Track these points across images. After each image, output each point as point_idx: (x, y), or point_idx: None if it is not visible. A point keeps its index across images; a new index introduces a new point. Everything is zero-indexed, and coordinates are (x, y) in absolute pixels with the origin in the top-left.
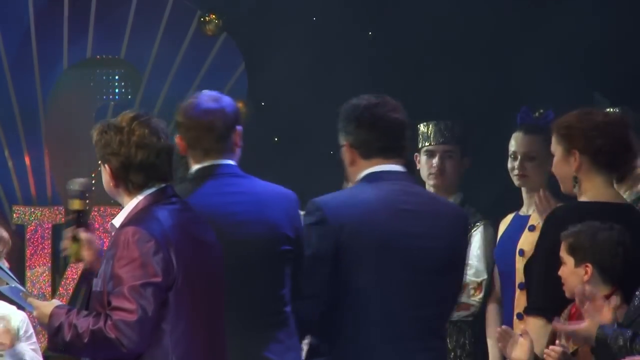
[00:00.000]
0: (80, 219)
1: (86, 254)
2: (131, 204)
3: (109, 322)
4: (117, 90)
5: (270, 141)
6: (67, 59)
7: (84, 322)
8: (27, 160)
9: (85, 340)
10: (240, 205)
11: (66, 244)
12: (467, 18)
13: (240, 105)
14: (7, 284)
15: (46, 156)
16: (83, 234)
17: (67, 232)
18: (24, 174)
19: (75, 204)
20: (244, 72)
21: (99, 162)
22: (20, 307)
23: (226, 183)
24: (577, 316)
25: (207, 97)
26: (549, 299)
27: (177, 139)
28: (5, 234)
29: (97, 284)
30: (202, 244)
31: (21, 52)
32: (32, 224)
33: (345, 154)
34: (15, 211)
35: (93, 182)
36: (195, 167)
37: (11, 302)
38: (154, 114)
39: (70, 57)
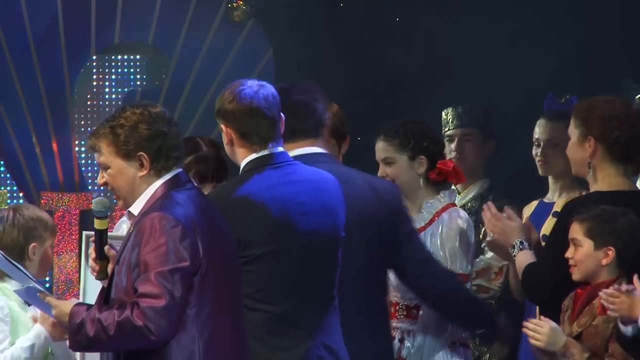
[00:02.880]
0: (105, 238)
1: (111, 269)
2: (149, 190)
3: (136, 310)
4: (144, 77)
5: None
6: (94, 45)
7: (109, 315)
8: (54, 146)
9: (112, 333)
10: (304, 195)
11: (93, 263)
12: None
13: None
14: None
15: (73, 142)
16: (110, 252)
17: (92, 252)
18: (51, 160)
19: (99, 224)
20: (272, 59)
21: (119, 158)
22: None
23: (287, 172)
24: (583, 299)
25: (254, 84)
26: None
27: (224, 128)
28: (51, 222)
29: (120, 272)
30: (221, 228)
31: (49, 38)
32: (60, 210)
33: None
34: (43, 197)
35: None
36: (250, 156)
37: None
38: (182, 101)
39: (98, 44)
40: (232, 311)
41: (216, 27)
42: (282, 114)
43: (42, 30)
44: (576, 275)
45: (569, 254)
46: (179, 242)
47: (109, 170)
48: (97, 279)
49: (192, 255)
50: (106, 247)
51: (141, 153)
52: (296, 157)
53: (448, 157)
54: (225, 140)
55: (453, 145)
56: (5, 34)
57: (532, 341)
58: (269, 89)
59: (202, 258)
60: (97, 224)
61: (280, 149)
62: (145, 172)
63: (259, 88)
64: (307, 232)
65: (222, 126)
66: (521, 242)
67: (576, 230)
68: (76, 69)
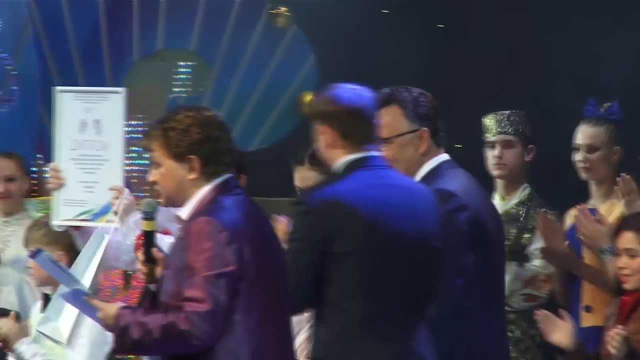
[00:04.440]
0: (152, 240)
1: (160, 273)
2: (198, 195)
3: (180, 314)
4: (187, 83)
5: None
6: (137, 51)
7: (153, 319)
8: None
9: (156, 337)
10: (395, 199)
11: (141, 266)
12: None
13: (310, 98)
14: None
15: None
16: (158, 254)
17: (140, 255)
18: None
19: (148, 225)
20: (314, 65)
21: (171, 159)
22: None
23: (381, 175)
24: (631, 306)
25: (352, 87)
26: None
27: (324, 129)
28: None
29: (168, 275)
30: (268, 235)
31: (91, 44)
32: None
33: None
34: None
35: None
36: (347, 157)
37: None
38: (225, 107)
39: (141, 49)
40: (280, 318)
41: (259, 33)
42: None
43: (85, 36)
44: (631, 284)
45: (622, 263)
46: (225, 247)
47: (160, 169)
48: (145, 282)
49: (238, 260)
50: (154, 250)
51: (192, 156)
52: (444, 163)
53: (490, 163)
54: (323, 142)
55: (495, 152)
56: (48, 40)
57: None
58: (369, 92)
59: (249, 264)
60: (145, 225)
61: (376, 152)
62: (195, 175)
63: (360, 91)
64: (394, 235)
65: (322, 127)
66: (611, 247)
67: (630, 240)
68: (119, 75)
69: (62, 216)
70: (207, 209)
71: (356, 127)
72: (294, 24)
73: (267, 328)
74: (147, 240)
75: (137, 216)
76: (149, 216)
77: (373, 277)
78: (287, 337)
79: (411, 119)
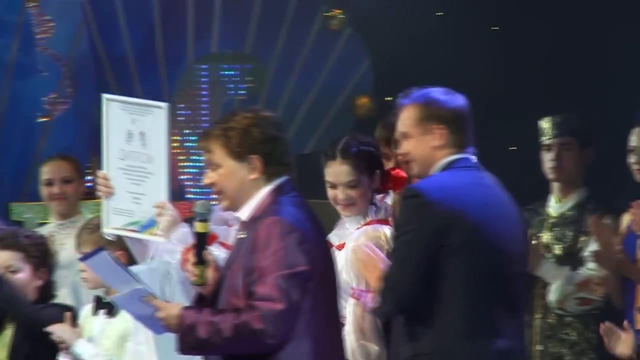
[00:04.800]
0: (204, 242)
1: (211, 275)
2: (258, 196)
3: (254, 313)
4: (242, 86)
5: None
6: (192, 53)
7: (223, 318)
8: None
9: (226, 336)
10: (493, 199)
11: (192, 268)
12: (592, 16)
13: (365, 101)
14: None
15: (171, 149)
16: (209, 256)
17: (191, 257)
18: None
19: (201, 227)
20: (369, 68)
21: (231, 159)
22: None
23: (480, 176)
24: None
25: (447, 90)
26: None
27: (437, 130)
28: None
29: (232, 276)
30: (325, 237)
31: (146, 46)
32: None
33: None
34: None
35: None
36: (451, 157)
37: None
38: (280, 110)
39: (196, 52)
40: (336, 317)
41: (313, 36)
42: None
43: (140, 39)
44: None
45: None
46: (296, 247)
47: (219, 170)
48: (194, 284)
49: (310, 260)
50: (205, 252)
51: (254, 156)
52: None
53: (546, 166)
54: (433, 143)
55: (551, 155)
56: (103, 43)
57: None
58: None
59: (317, 263)
60: (199, 227)
61: (473, 154)
62: (256, 175)
63: (457, 94)
64: (497, 233)
65: (435, 128)
66: None
67: None
68: (174, 77)
69: (112, 224)
70: (273, 209)
71: (464, 129)
72: (349, 26)
73: (330, 327)
74: (200, 242)
75: (180, 232)
76: (202, 218)
77: (480, 273)
78: (341, 337)
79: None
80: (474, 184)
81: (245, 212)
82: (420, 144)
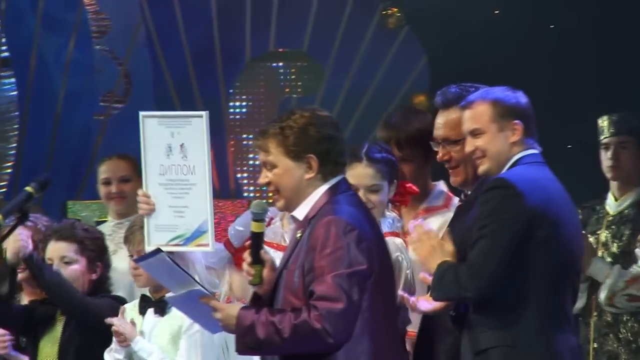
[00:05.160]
0: (260, 241)
1: (267, 275)
2: (314, 195)
3: (314, 312)
4: (299, 84)
5: None
6: (249, 52)
7: (283, 317)
8: (210, 153)
9: (286, 335)
10: (561, 194)
11: (248, 268)
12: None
13: (422, 99)
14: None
15: (229, 149)
16: (266, 256)
17: (247, 257)
18: None
19: (257, 226)
20: (426, 66)
21: (288, 158)
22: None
23: (548, 171)
24: None
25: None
26: None
27: (515, 126)
28: None
29: (290, 275)
30: (381, 235)
31: (204, 45)
32: (216, 216)
33: None
34: None
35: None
36: (523, 152)
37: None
38: (337, 108)
39: (253, 50)
40: (395, 315)
41: (371, 34)
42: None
43: (198, 37)
44: None
45: None
46: (356, 245)
47: (275, 170)
48: (250, 283)
49: (369, 259)
50: (262, 252)
51: (310, 155)
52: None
53: (604, 165)
54: (512, 138)
55: (609, 153)
56: (161, 42)
57: None
58: None
59: (375, 262)
60: (255, 226)
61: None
62: (312, 174)
63: (519, 91)
64: (570, 227)
65: (514, 124)
66: None
67: None
68: (231, 75)
69: (155, 242)
70: (332, 208)
71: (533, 125)
72: (406, 25)
73: (388, 326)
74: (255, 241)
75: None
76: (258, 218)
77: (558, 268)
78: (400, 335)
79: None
80: (549, 179)
81: (301, 212)
82: (496, 140)
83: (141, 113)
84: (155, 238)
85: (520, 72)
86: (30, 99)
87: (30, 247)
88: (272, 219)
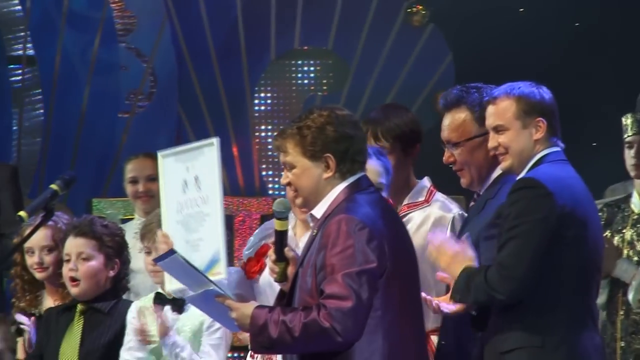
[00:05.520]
0: (285, 239)
1: (291, 272)
2: (332, 193)
3: (322, 311)
4: (324, 82)
5: None
6: (274, 49)
7: (294, 317)
8: (234, 151)
9: (297, 334)
10: (586, 193)
11: (272, 265)
12: None
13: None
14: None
15: (254, 147)
16: (290, 254)
17: (272, 254)
18: (231, 164)
19: (280, 225)
20: (451, 63)
21: (305, 158)
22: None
23: (572, 169)
24: None
25: (532, 83)
26: None
27: (539, 123)
28: None
29: (304, 274)
30: (402, 232)
31: (229, 43)
32: (240, 214)
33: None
34: (224, 202)
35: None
36: (548, 149)
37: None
38: (362, 106)
39: (278, 48)
40: (415, 315)
41: (395, 31)
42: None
43: (223, 34)
44: None
45: None
46: (366, 244)
47: (294, 170)
48: (275, 281)
49: (379, 257)
50: (286, 249)
51: (327, 154)
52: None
53: (628, 163)
54: (536, 135)
55: (632, 152)
56: (185, 39)
57: None
58: None
59: (388, 260)
60: (278, 225)
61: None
62: (330, 173)
63: (543, 87)
64: (595, 230)
65: (538, 121)
66: None
67: None
68: (256, 73)
69: (175, 281)
70: (345, 206)
71: (557, 122)
72: (431, 22)
73: (404, 325)
74: (279, 239)
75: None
76: (281, 216)
77: (585, 268)
78: (422, 335)
79: (479, 123)
80: (574, 177)
81: (319, 210)
82: (520, 137)
83: (160, 153)
84: (174, 279)
85: (545, 69)
86: (56, 97)
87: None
88: None
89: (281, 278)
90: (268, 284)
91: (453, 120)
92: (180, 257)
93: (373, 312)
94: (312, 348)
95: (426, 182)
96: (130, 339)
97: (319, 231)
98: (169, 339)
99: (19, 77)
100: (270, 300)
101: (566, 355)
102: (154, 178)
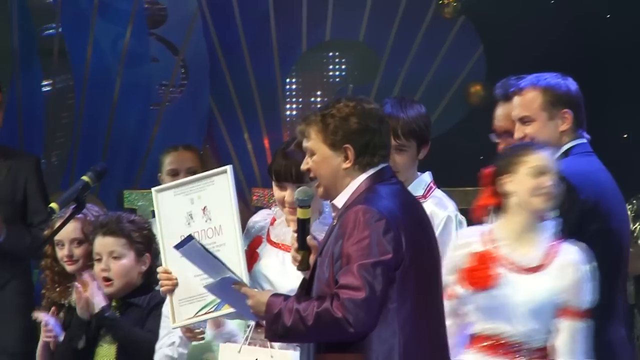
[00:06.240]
0: (307, 227)
1: (313, 260)
2: (354, 183)
3: (335, 301)
4: (355, 74)
5: None
6: (306, 41)
7: (307, 306)
8: (266, 142)
9: (310, 323)
10: (615, 186)
11: (294, 253)
12: None
13: (478, 88)
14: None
15: (285, 139)
16: (312, 242)
17: (294, 242)
18: (263, 156)
19: (302, 213)
20: (482, 56)
21: (326, 147)
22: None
23: (597, 161)
24: None
25: (559, 74)
26: None
27: (565, 115)
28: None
29: (322, 263)
30: (424, 224)
31: (260, 35)
32: (271, 205)
33: None
34: (255, 193)
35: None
36: (575, 141)
37: None
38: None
39: (309, 40)
40: (434, 308)
41: (427, 24)
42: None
43: (254, 27)
44: None
45: None
46: (382, 235)
47: (314, 157)
48: (298, 269)
49: (395, 249)
50: (308, 238)
51: (347, 145)
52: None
53: None
54: (562, 127)
55: None
56: (217, 31)
57: None
58: None
59: (405, 252)
60: (300, 213)
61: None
62: (349, 165)
63: (569, 78)
64: (622, 223)
65: (564, 113)
66: None
67: None
68: (287, 65)
69: (183, 317)
70: (364, 197)
71: (583, 113)
72: (462, 14)
73: (421, 317)
74: (301, 227)
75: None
76: (304, 204)
77: (610, 259)
78: (441, 327)
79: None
80: (600, 170)
81: (340, 200)
82: (546, 128)
83: (154, 189)
84: (182, 313)
85: (575, 62)
86: (87, 89)
87: (103, 302)
88: (274, 219)
89: (303, 266)
90: (262, 277)
91: (511, 110)
92: (198, 243)
93: (389, 303)
94: (324, 337)
95: (427, 176)
96: (167, 333)
97: (338, 221)
98: (225, 329)
99: (51, 69)
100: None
101: (590, 348)
102: (194, 171)
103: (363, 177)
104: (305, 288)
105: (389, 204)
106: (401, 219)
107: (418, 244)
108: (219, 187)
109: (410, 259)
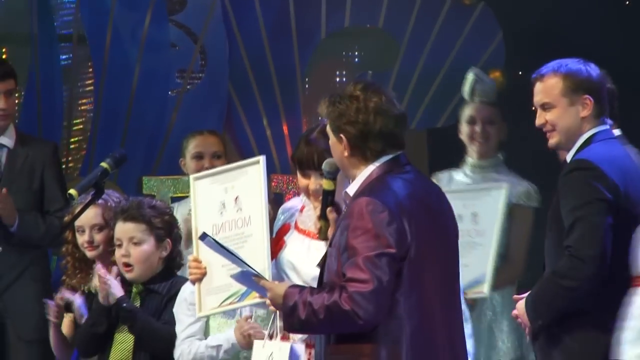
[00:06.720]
0: (330, 199)
1: (330, 232)
2: (365, 172)
3: (343, 294)
4: (374, 61)
5: (529, 112)
6: (325, 28)
7: (319, 299)
8: (285, 129)
9: (321, 317)
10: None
11: (316, 221)
12: None
13: (497, 75)
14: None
15: (304, 126)
16: (331, 215)
17: (317, 210)
18: (282, 143)
19: (328, 184)
20: (502, 42)
21: (331, 132)
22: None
23: (620, 147)
24: None
25: (581, 60)
26: None
27: (586, 101)
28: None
29: (331, 254)
30: (437, 213)
31: (279, 21)
32: (290, 192)
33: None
34: (274, 180)
35: None
36: (597, 128)
37: None
38: (412, 85)
39: (328, 27)
40: (446, 299)
41: (446, 10)
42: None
43: (273, 13)
44: None
45: None
46: (385, 227)
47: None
48: (319, 238)
49: (399, 240)
50: (328, 210)
51: (342, 136)
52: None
53: None
54: (583, 113)
55: None
56: (236, 18)
57: None
58: None
59: (411, 243)
60: (326, 184)
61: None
62: (346, 153)
63: (592, 64)
64: None
65: (585, 99)
66: None
67: None
68: (307, 52)
69: (208, 306)
70: (370, 188)
71: (605, 100)
72: (482, 0)
73: (429, 308)
74: (325, 198)
75: None
76: (329, 176)
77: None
78: (455, 318)
79: None
80: (626, 156)
81: (352, 189)
82: (567, 115)
83: (192, 176)
84: (207, 303)
85: (596, 48)
86: (106, 75)
87: (120, 292)
88: (304, 207)
89: (322, 237)
90: (288, 263)
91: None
92: (211, 239)
93: (398, 294)
94: (335, 330)
95: None
96: (195, 321)
97: (345, 212)
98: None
99: (70, 55)
100: (294, 280)
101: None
102: (219, 155)
103: (374, 165)
104: (318, 277)
105: (395, 194)
106: (408, 209)
107: (427, 234)
108: (251, 177)
109: (417, 249)
